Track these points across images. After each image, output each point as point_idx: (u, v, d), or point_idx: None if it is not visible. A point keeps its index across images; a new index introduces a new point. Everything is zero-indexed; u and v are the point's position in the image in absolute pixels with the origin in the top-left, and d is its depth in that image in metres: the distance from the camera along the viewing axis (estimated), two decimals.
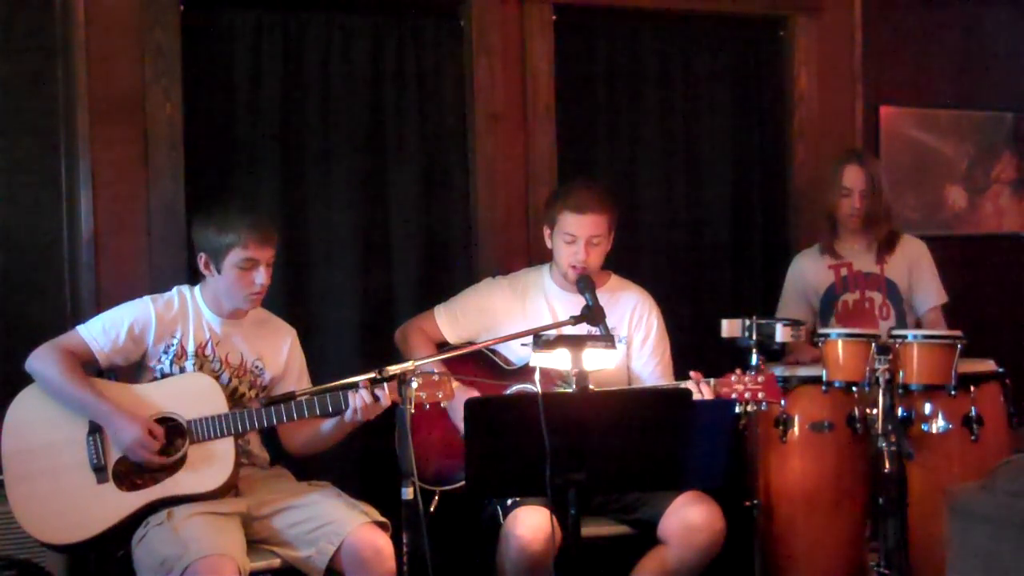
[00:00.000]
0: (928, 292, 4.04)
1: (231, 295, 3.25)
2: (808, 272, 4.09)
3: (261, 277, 3.22)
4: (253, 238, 3.19)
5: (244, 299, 3.26)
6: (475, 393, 3.43)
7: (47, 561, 3.40)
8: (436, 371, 3.16)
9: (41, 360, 3.14)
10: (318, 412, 3.15)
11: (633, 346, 3.65)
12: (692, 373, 3.37)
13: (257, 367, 3.34)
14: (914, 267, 4.03)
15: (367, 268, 4.04)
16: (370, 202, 4.05)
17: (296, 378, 3.40)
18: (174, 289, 3.34)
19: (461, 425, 3.40)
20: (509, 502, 3.29)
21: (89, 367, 3.19)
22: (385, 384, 3.08)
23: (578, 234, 3.51)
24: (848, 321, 3.97)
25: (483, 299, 3.70)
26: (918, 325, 4.03)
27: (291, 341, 3.43)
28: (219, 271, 3.22)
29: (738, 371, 3.38)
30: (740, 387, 3.36)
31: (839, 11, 4.60)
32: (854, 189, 3.94)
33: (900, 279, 4.01)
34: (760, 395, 3.37)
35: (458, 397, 3.24)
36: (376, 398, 3.09)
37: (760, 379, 3.37)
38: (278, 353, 3.39)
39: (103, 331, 3.20)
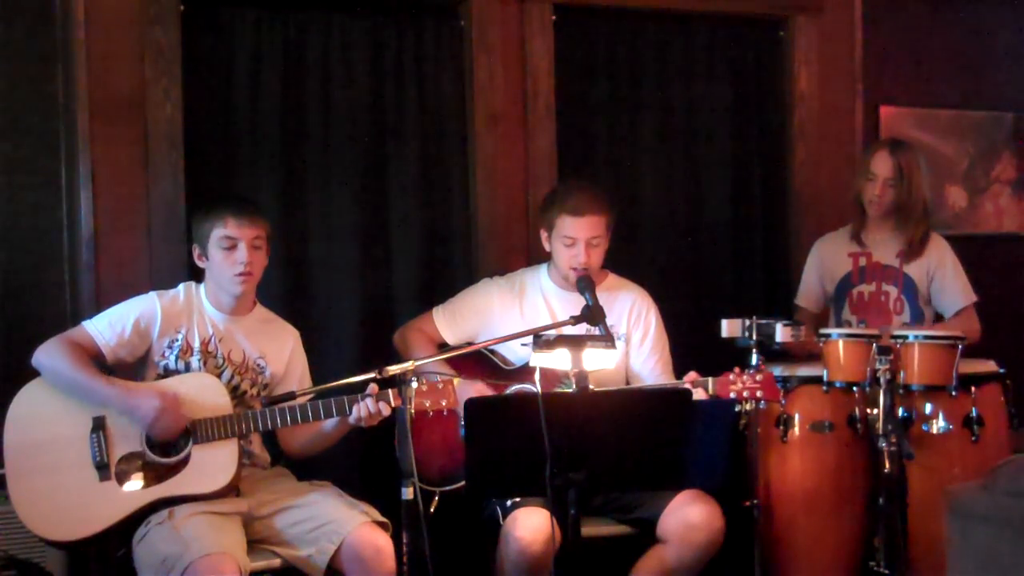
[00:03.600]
0: (955, 293, 3.97)
1: (220, 279, 3.27)
2: (827, 256, 4.10)
3: (242, 255, 3.23)
4: (230, 215, 3.23)
5: (231, 280, 3.26)
6: (479, 385, 3.44)
7: (47, 560, 3.41)
8: (439, 376, 3.16)
9: (49, 353, 3.14)
10: (322, 416, 3.15)
11: (632, 344, 3.65)
12: (687, 376, 3.37)
13: (259, 365, 3.34)
14: (936, 267, 3.97)
15: (367, 268, 4.04)
16: (370, 202, 4.05)
17: (298, 380, 3.41)
18: (180, 285, 3.36)
19: None
20: (509, 503, 3.29)
21: (95, 363, 3.19)
22: (390, 392, 3.08)
23: (577, 236, 3.51)
24: (863, 312, 3.97)
25: (481, 299, 3.70)
26: (940, 320, 4.01)
27: (294, 343, 3.44)
28: (207, 257, 3.26)
29: (736, 370, 3.39)
30: (738, 386, 3.37)
31: (839, 11, 4.60)
32: (878, 176, 3.92)
33: (919, 277, 3.98)
34: (758, 394, 3.38)
35: (463, 391, 3.25)
36: (379, 408, 3.09)
37: (758, 378, 3.37)
38: (281, 353, 3.39)
39: (109, 325, 3.21)
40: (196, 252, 3.30)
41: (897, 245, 4.00)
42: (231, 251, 3.23)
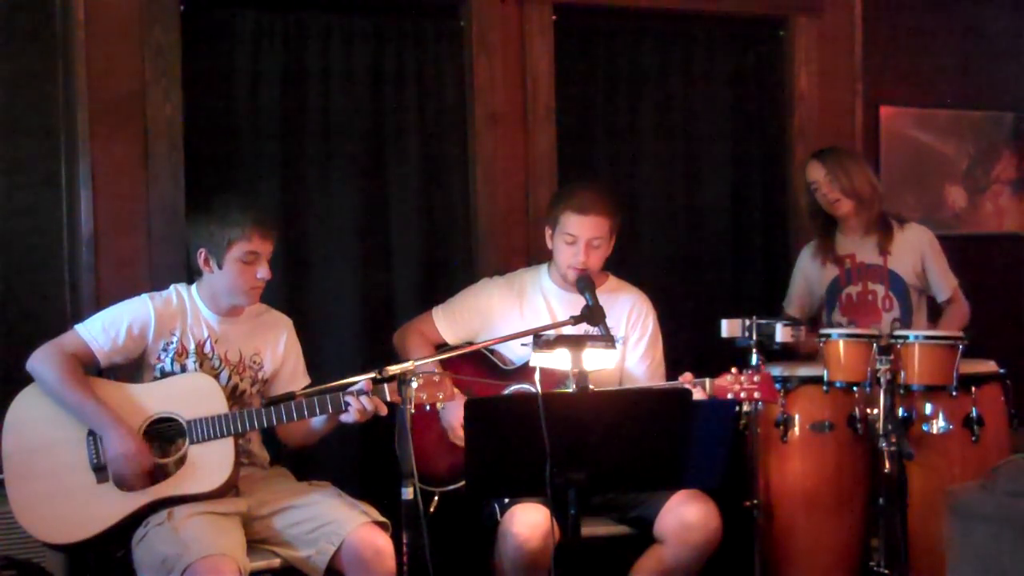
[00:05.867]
0: (941, 283, 4.00)
1: (231, 290, 3.25)
2: (814, 262, 4.09)
3: (263, 271, 3.22)
4: (257, 231, 3.19)
5: (244, 294, 3.25)
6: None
7: (47, 561, 3.40)
8: (436, 371, 3.15)
9: (41, 362, 3.14)
10: (317, 412, 3.15)
11: (628, 345, 3.65)
12: (683, 376, 3.37)
13: (256, 362, 3.34)
14: (924, 257, 4.00)
15: (367, 268, 4.04)
16: (370, 202, 4.05)
17: (292, 369, 3.40)
18: (171, 287, 3.34)
19: (452, 428, 3.43)
20: (507, 500, 3.29)
21: (90, 367, 3.19)
22: (386, 386, 3.07)
23: (579, 235, 3.51)
24: (852, 313, 3.98)
25: (480, 299, 3.70)
26: (935, 310, 4.02)
27: (288, 332, 3.43)
28: (220, 266, 3.21)
29: (734, 370, 3.38)
30: (736, 387, 3.36)
31: (839, 11, 4.60)
32: (818, 180, 3.97)
33: (905, 271, 3.98)
34: (756, 394, 3.37)
35: (450, 404, 3.25)
36: (375, 406, 3.09)
37: (756, 378, 3.37)
38: (276, 346, 3.39)
39: (103, 330, 3.19)
40: (202, 256, 3.22)
41: (872, 241, 4.01)
42: (251, 265, 3.20)
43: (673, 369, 3.68)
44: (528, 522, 3.19)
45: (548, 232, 3.63)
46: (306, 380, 3.41)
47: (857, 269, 4.02)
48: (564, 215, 3.53)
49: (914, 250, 4.01)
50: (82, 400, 3.09)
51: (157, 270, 3.74)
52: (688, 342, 3.92)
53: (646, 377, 3.63)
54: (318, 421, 3.24)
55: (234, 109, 3.91)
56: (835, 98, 4.58)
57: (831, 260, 4.04)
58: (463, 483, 2.94)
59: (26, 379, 3.16)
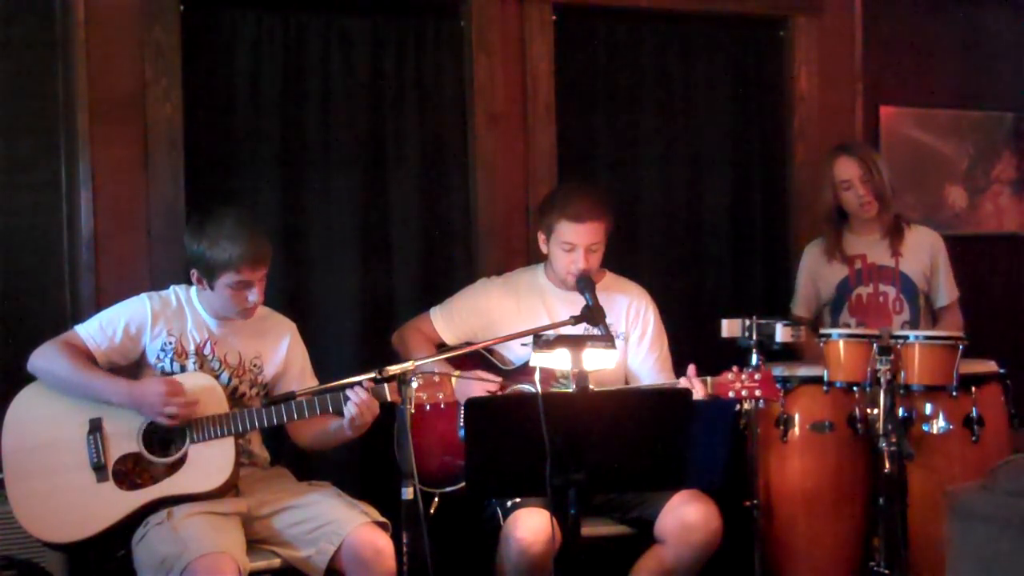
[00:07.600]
0: (943, 289, 4.02)
1: (224, 309, 3.26)
2: (820, 261, 4.08)
3: (253, 295, 3.21)
4: (246, 262, 3.14)
5: (237, 314, 3.26)
6: (479, 372, 3.45)
7: (47, 561, 3.40)
8: (436, 372, 3.16)
9: (45, 356, 3.14)
10: (318, 411, 3.15)
11: (631, 342, 3.65)
12: (689, 369, 3.36)
13: (256, 366, 3.34)
14: (934, 262, 4.00)
15: (367, 268, 4.04)
16: (370, 202, 4.05)
17: (299, 373, 3.40)
18: (171, 288, 3.34)
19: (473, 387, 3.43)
20: (509, 504, 3.29)
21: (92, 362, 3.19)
22: (386, 386, 3.07)
23: (577, 243, 3.50)
24: (862, 315, 3.97)
25: (478, 300, 3.70)
26: (935, 319, 4.03)
27: (291, 336, 3.42)
28: (211, 288, 3.20)
29: (735, 369, 3.38)
30: (737, 385, 3.36)
31: (839, 11, 4.60)
32: (852, 179, 3.92)
33: (916, 273, 3.98)
34: (757, 392, 3.37)
35: (462, 390, 3.25)
36: (370, 394, 3.08)
37: (757, 376, 3.37)
38: (277, 350, 3.38)
39: (100, 329, 3.20)
40: (195, 276, 3.21)
41: (884, 242, 4.00)
42: (241, 291, 3.19)
43: (673, 369, 3.68)
44: (531, 527, 3.19)
45: (542, 238, 3.62)
46: (314, 383, 3.40)
47: (868, 270, 4.00)
48: (559, 224, 3.52)
49: (925, 252, 4.00)
50: (95, 378, 3.10)
51: (157, 270, 3.74)
52: (688, 342, 3.92)
53: (655, 372, 3.63)
54: (333, 425, 3.24)
55: (234, 109, 3.91)
56: (835, 98, 4.58)
57: (840, 259, 4.02)
58: (463, 484, 2.94)
59: (26, 379, 3.17)
